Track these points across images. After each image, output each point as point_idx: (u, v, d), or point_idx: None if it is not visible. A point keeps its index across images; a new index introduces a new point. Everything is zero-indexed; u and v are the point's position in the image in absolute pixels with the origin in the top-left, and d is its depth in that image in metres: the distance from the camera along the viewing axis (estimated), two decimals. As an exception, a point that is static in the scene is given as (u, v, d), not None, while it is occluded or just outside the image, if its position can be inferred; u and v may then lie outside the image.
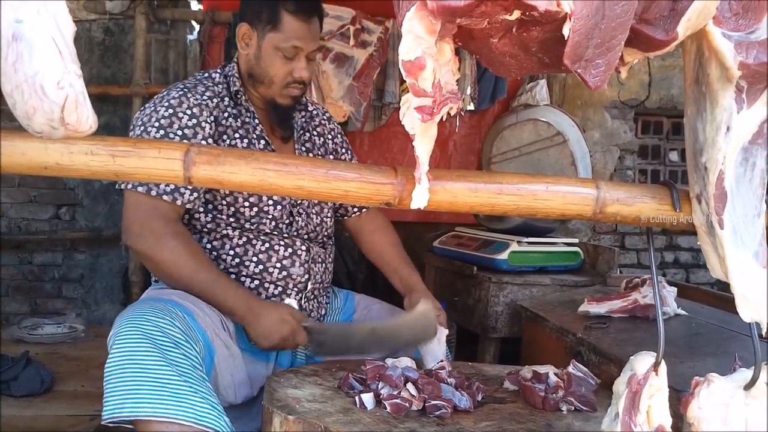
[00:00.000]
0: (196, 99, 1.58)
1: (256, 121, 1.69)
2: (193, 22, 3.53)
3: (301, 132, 1.83)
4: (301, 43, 1.60)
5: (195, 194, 1.55)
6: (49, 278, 3.65)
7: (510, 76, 0.95)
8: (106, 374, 1.28)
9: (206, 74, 1.71)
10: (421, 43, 0.77)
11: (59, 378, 2.57)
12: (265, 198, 1.64)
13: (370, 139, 3.42)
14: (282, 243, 1.67)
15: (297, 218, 1.71)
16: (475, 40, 0.86)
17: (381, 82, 3.28)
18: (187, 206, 1.56)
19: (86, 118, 0.78)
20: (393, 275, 1.86)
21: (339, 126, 1.97)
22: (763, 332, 0.89)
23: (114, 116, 3.59)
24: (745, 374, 0.91)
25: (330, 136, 1.90)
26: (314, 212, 1.77)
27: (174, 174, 0.89)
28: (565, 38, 0.75)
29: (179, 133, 1.54)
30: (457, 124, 3.45)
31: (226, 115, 1.64)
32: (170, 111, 1.55)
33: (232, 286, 1.54)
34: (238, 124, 1.66)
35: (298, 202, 1.72)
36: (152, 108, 1.57)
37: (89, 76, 3.54)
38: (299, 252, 1.69)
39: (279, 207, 1.67)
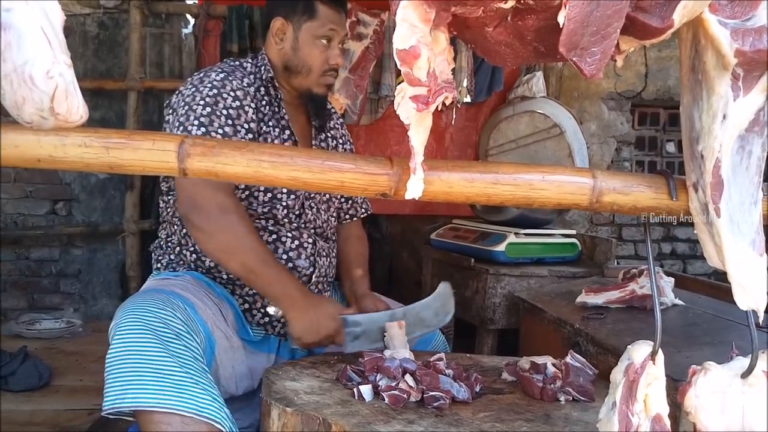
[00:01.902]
0: (239, 83, 1.62)
1: (284, 111, 1.72)
2: (188, 16, 3.51)
3: (320, 130, 1.86)
4: (337, 26, 1.68)
5: None
6: (47, 273, 3.65)
7: (505, 65, 0.94)
8: (107, 365, 1.27)
9: (237, 62, 1.73)
10: (415, 32, 0.76)
11: (57, 373, 2.57)
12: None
13: (366, 132, 3.41)
14: (289, 235, 1.68)
15: (308, 211, 1.72)
16: (470, 28, 0.85)
17: (377, 75, 3.27)
18: None
19: (76, 108, 0.77)
20: (345, 281, 1.87)
21: (348, 134, 2.00)
22: (760, 320, 0.89)
23: (109, 111, 3.57)
24: (742, 362, 0.91)
25: (341, 141, 1.93)
26: (323, 209, 1.79)
27: (168, 166, 0.88)
28: (560, 26, 0.75)
29: (224, 112, 1.55)
30: (453, 116, 3.45)
31: (264, 102, 1.68)
32: (215, 91, 1.57)
33: (284, 273, 1.54)
34: (271, 112, 1.70)
35: (311, 195, 1.73)
36: (194, 89, 1.58)
37: (84, 70, 3.52)
38: (305, 244, 1.70)
39: (293, 196, 1.68)
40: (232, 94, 1.58)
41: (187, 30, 3.53)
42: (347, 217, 1.96)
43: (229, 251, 1.50)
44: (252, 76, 1.69)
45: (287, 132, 1.71)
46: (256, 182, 0.89)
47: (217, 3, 3.27)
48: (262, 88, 1.69)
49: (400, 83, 0.84)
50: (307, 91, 1.72)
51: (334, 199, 1.85)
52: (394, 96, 0.84)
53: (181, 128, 1.53)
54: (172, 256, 1.69)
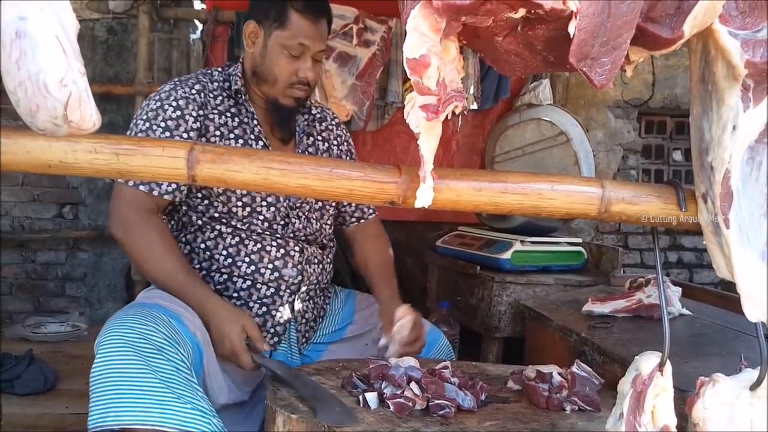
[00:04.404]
0: (184, 92, 1.59)
1: (255, 121, 1.67)
2: (196, 21, 3.53)
3: (303, 135, 1.79)
4: (308, 41, 1.59)
5: (173, 185, 1.56)
6: (53, 277, 3.66)
7: (515, 74, 0.94)
8: (90, 383, 1.28)
9: (208, 71, 1.71)
10: (425, 41, 0.77)
11: (62, 376, 2.58)
12: (258, 199, 1.63)
13: (372, 138, 3.42)
14: (274, 244, 1.65)
15: (294, 220, 1.69)
16: (480, 38, 0.86)
17: (384, 82, 3.27)
18: (166, 197, 1.56)
19: (89, 115, 0.77)
20: (373, 288, 1.81)
21: (348, 134, 1.93)
22: (769, 332, 0.88)
23: (117, 115, 3.59)
24: (750, 374, 0.90)
25: (336, 143, 1.86)
26: (315, 217, 1.75)
27: (178, 173, 0.89)
28: (571, 36, 0.75)
29: (162, 125, 1.55)
30: (459, 123, 3.45)
31: (219, 111, 1.63)
32: (158, 104, 1.57)
33: (191, 281, 1.51)
34: (235, 123, 1.65)
35: (298, 205, 1.70)
36: (147, 102, 1.61)
37: (92, 75, 3.54)
38: (292, 253, 1.66)
39: (273, 209, 1.65)
40: (174, 104, 1.56)
41: (195, 35, 3.54)
42: (353, 220, 1.91)
43: (143, 265, 1.55)
44: (215, 83, 1.65)
45: (260, 143, 1.67)
46: (265, 190, 0.89)
47: (226, 9, 3.28)
48: (224, 97, 1.65)
49: (407, 90, 0.85)
50: (274, 101, 1.65)
51: (328, 207, 1.80)
52: (401, 103, 0.84)
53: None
54: None
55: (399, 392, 1.26)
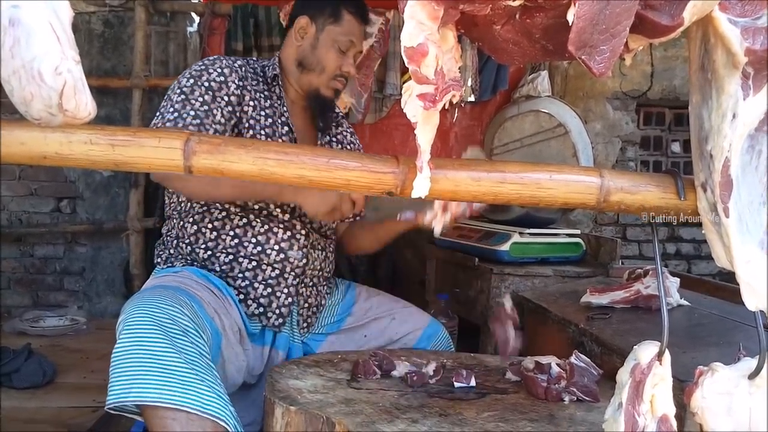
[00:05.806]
0: (228, 62, 1.68)
1: (284, 108, 1.75)
2: (193, 14, 3.51)
3: (324, 132, 1.87)
4: (356, 39, 1.75)
5: (222, 127, 1.60)
6: (51, 271, 3.66)
7: (513, 63, 0.94)
8: (113, 359, 1.28)
9: (244, 58, 1.80)
10: (423, 30, 0.76)
11: (61, 370, 2.58)
12: None
13: (371, 130, 3.41)
14: (281, 226, 1.69)
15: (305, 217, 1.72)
16: (478, 26, 0.85)
17: (382, 74, 3.27)
18: None
19: (85, 104, 0.77)
20: (371, 227, 1.91)
21: (359, 144, 2.01)
22: (768, 321, 0.88)
23: (114, 108, 3.58)
24: (749, 363, 0.90)
25: (349, 148, 1.94)
26: None
27: (174, 163, 0.88)
28: (570, 24, 0.74)
29: (206, 84, 1.61)
30: (456, 114, 3.44)
31: (255, 89, 1.71)
32: (202, 67, 1.64)
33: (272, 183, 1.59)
34: (267, 104, 1.72)
35: None
36: (188, 70, 1.67)
37: (89, 68, 3.53)
38: (298, 236, 1.70)
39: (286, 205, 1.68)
40: (218, 69, 1.64)
41: (192, 28, 3.53)
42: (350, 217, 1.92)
43: (213, 183, 1.54)
44: (251, 69, 1.73)
45: (286, 128, 1.73)
46: (262, 180, 0.89)
47: (222, 1, 3.27)
48: (264, 84, 1.74)
49: (405, 82, 0.84)
50: (315, 91, 1.76)
51: None
52: (399, 95, 0.84)
53: (167, 100, 1.60)
54: (171, 251, 1.71)
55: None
